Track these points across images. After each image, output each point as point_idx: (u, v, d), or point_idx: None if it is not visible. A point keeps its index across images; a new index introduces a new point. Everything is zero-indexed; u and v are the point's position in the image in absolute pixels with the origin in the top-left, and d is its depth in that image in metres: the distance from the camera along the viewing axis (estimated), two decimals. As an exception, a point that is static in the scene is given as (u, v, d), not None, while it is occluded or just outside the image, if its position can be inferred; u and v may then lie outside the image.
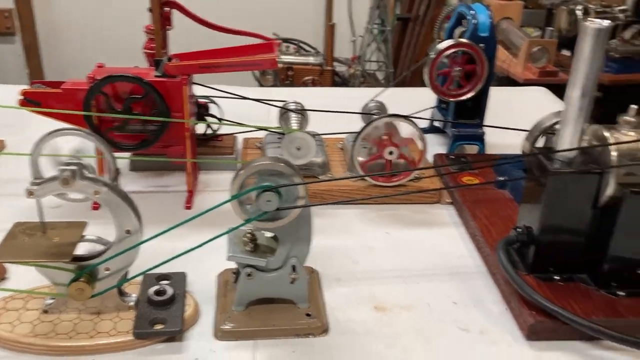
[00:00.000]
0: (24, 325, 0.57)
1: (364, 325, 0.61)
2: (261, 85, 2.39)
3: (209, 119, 0.92)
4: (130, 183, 0.86)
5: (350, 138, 0.92)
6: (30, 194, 0.53)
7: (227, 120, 0.84)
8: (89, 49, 2.75)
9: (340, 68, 2.61)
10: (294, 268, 0.59)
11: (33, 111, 0.77)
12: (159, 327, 0.57)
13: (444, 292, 0.67)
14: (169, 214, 0.79)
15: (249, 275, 0.59)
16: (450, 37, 0.96)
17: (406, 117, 0.82)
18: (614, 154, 0.59)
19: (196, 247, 0.55)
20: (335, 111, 0.89)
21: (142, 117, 0.75)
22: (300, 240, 0.59)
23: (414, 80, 2.55)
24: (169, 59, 0.78)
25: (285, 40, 2.56)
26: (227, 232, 0.57)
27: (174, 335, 0.58)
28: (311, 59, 2.67)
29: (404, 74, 2.01)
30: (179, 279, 0.63)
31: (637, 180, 0.59)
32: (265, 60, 0.76)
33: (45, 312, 0.59)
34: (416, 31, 2.68)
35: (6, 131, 0.96)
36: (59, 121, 0.77)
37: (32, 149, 0.68)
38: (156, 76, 0.76)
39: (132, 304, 0.60)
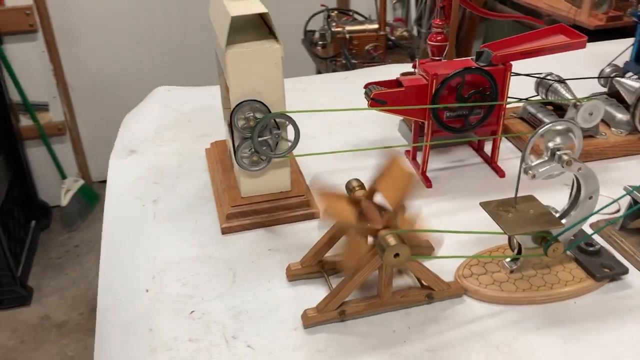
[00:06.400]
0: (507, 284, 0.70)
1: None
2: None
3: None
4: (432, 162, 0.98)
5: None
6: (533, 176, 0.66)
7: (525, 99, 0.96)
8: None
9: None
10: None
11: (382, 110, 0.87)
12: (606, 270, 0.72)
13: None
14: (495, 183, 0.93)
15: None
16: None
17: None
18: None
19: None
20: (588, 77, 1.03)
21: (481, 104, 0.87)
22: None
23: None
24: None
25: (339, 11, 2.64)
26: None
27: (619, 276, 0.72)
28: (372, 26, 2.72)
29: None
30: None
31: None
32: (575, 42, 0.89)
33: (512, 272, 0.72)
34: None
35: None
36: (400, 115, 0.89)
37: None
38: (482, 66, 0.88)
39: (570, 255, 0.74)
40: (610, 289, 0.72)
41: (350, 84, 1.28)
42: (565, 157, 0.65)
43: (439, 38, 0.97)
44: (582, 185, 0.69)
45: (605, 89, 1.08)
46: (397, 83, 0.89)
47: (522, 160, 0.67)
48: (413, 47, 2.61)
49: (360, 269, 0.65)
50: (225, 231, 0.82)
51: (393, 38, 2.70)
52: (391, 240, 0.61)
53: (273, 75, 0.76)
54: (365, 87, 0.89)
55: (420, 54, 2.54)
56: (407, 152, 1.00)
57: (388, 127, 1.09)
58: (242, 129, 0.78)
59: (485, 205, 0.71)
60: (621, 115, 1.01)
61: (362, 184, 0.72)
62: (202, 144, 1.04)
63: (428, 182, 0.92)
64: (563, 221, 0.70)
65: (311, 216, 0.84)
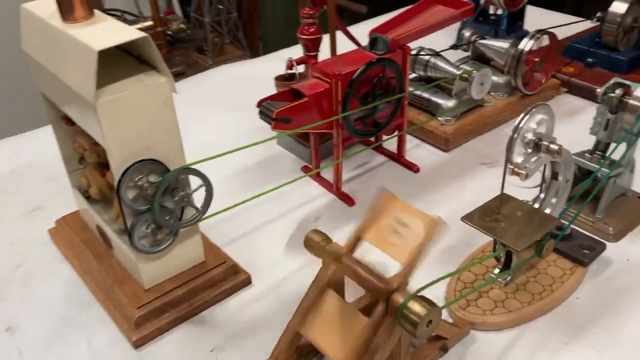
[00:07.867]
0: (509, 302, 0.61)
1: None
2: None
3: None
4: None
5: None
6: (526, 176, 0.56)
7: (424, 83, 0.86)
8: None
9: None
10: None
11: (287, 134, 0.70)
12: (587, 252, 0.66)
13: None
14: (414, 180, 0.82)
15: (614, 183, 0.70)
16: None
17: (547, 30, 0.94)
18: None
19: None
20: (458, 45, 0.98)
21: (391, 98, 0.75)
22: None
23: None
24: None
25: (106, 11, 2.30)
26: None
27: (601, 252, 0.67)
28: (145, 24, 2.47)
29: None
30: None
31: None
32: (464, 11, 0.81)
33: (506, 285, 0.62)
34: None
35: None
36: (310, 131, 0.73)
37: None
38: (382, 54, 0.75)
39: (550, 247, 0.66)
40: (596, 270, 0.66)
41: (186, 99, 1.07)
42: (555, 147, 0.56)
43: (311, 30, 0.82)
44: (560, 170, 0.61)
45: (468, 54, 1.04)
46: (292, 93, 0.73)
47: (507, 161, 0.57)
48: (198, 38, 2.41)
49: (376, 353, 0.49)
50: (138, 344, 0.59)
51: (170, 33, 2.47)
52: (419, 310, 0.46)
53: (164, 120, 0.55)
54: (259, 105, 0.71)
55: (208, 45, 2.34)
56: (307, 168, 0.84)
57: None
58: (134, 202, 0.55)
59: (468, 219, 0.59)
60: (497, 78, 0.97)
61: (324, 234, 0.55)
62: (38, 223, 0.77)
63: (350, 200, 0.78)
64: (547, 211, 0.62)
65: (243, 284, 0.65)
